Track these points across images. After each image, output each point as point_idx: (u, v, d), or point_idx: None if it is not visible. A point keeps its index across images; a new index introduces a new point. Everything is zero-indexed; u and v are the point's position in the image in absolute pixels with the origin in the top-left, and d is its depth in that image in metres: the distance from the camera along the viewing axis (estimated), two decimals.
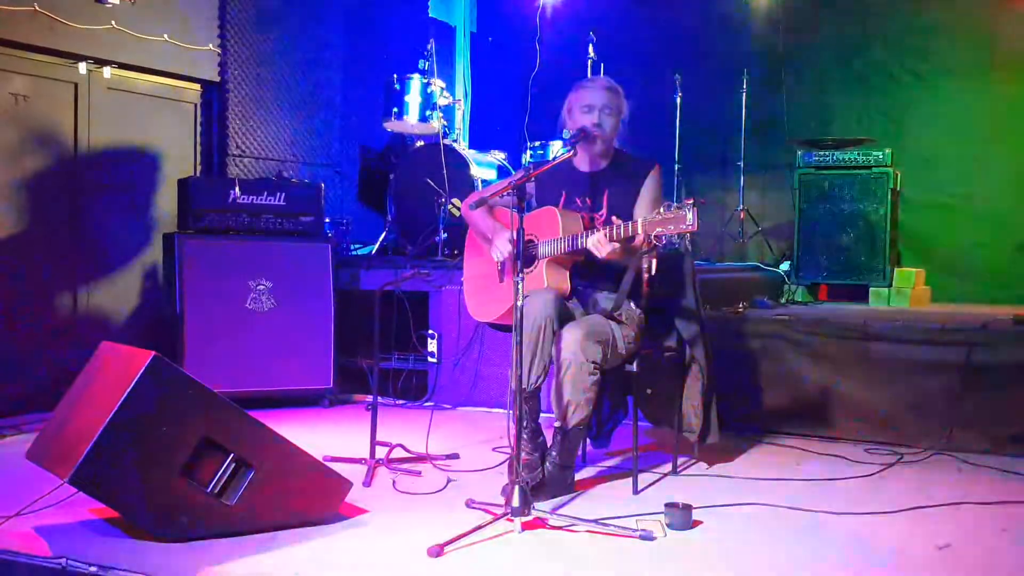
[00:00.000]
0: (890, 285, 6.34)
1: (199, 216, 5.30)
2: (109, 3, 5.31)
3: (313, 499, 3.20)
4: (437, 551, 2.91)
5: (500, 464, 4.03)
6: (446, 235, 5.99)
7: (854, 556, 3.04)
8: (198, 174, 5.98)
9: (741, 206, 7.33)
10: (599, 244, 3.55)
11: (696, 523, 3.27)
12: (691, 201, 3.29)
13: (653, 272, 3.77)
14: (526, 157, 6.45)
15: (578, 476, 3.82)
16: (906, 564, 2.97)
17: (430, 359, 5.70)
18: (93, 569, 2.73)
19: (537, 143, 6.43)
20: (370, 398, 4.11)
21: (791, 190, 6.80)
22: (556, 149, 6.24)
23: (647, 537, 3.10)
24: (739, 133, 7.35)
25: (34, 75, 5.17)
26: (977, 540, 3.21)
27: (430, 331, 5.70)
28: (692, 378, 4.04)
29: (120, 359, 3.15)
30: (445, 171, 6.03)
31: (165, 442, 2.94)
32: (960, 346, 4.54)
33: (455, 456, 4.23)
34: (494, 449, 4.37)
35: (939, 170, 6.96)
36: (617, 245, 3.54)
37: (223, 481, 3.02)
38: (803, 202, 6.61)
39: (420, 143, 6.59)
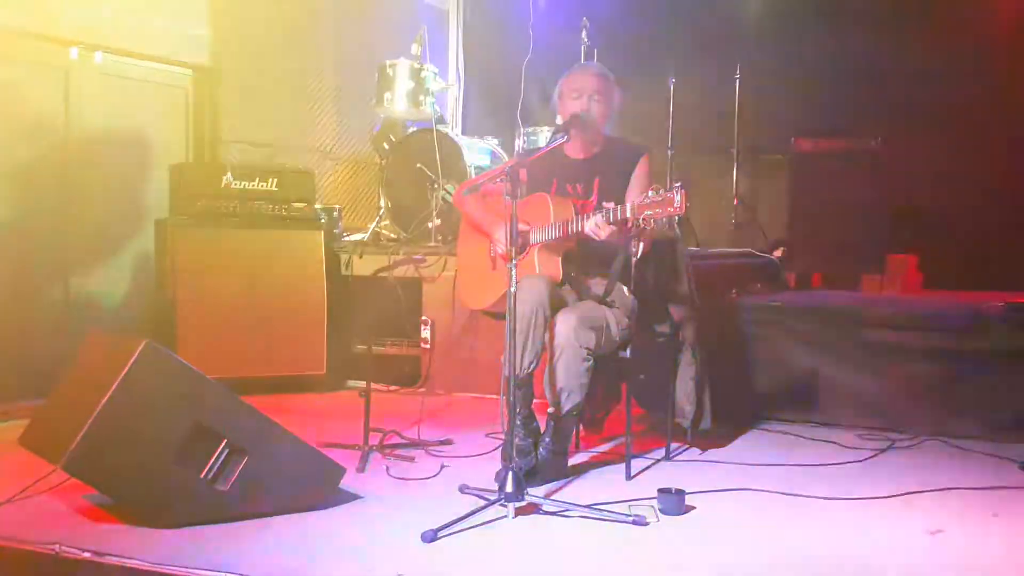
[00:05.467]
0: (883, 271, 6.35)
1: (191, 202, 5.28)
2: None
3: (307, 485, 3.20)
4: (431, 536, 2.91)
5: (493, 450, 4.04)
6: (439, 221, 5.98)
7: (846, 541, 3.05)
8: (190, 160, 5.95)
9: (735, 193, 7.32)
10: (599, 227, 3.54)
11: (689, 508, 3.28)
12: (679, 184, 3.29)
13: (638, 256, 3.77)
14: (519, 143, 6.43)
15: (571, 462, 3.83)
16: (898, 549, 2.98)
17: (423, 345, 5.69)
18: (87, 555, 2.72)
19: (530, 129, 6.41)
20: (363, 384, 4.11)
21: (785, 177, 6.79)
22: (547, 135, 6.22)
23: (640, 522, 3.11)
24: (733, 119, 7.33)
25: (25, 60, 5.13)
26: (969, 525, 3.22)
27: (423, 317, 5.69)
28: (685, 364, 4.05)
29: (112, 346, 3.15)
30: (438, 157, 6.01)
31: (158, 428, 2.93)
32: (952, 332, 4.56)
33: (449, 442, 4.24)
34: (487, 435, 4.37)
35: (932, 155, 6.95)
36: (615, 228, 3.54)
37: (217, 467, 3.01)
38: (797, 188, 6.60)
39: (413, 129, 6.57)
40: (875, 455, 4.15)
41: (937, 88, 7.01)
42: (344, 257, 5.88)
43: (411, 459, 3.94)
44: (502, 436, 3.48)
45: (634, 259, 3.79)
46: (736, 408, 4.79)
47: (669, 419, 4.09)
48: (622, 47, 6.90)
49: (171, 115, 5.94)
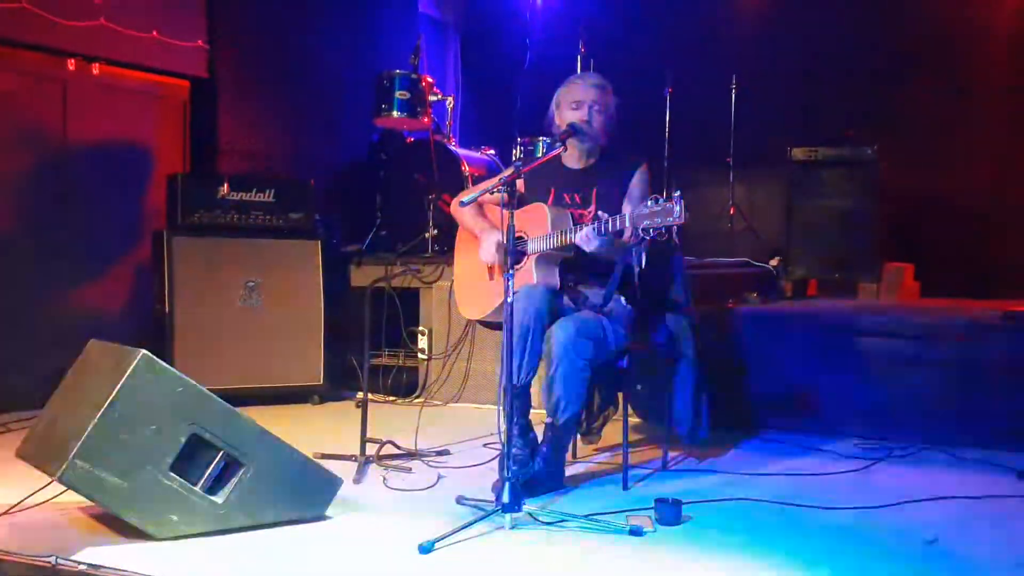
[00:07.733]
0: (879, 280, 6.36)
1: (188, 213, 5.28)
2: None
3: (303, 496, 3.20)
4: (428, 548, 2.91)
5: (491, 460, 4.04)
6: (436, 231, 5.98)
7: (844, 550, 3.05)
8: (187, 171, 5.95)
9: (731, 201, 7.33)
10: (587, 238, 3.55)
11: (686, 518, 3.28)
12: (679, 193, 3.29)
13: (643, 266, 3.77)
14: (516, 153, 6.44)
15: (568, 472, 3.83)
16: (895, 558, 2.98)
17: (420, 356, 5.70)
18: (83, 567, 2.72)
19: (527, 139, 6.41)
20: (360, 395, 4.11)
21: (782, 185, 6.81)
22: (545, 145, 6.22)
23: (637, 532, 3.10)
24: (729, 128, 7.35)
25: (22, 71, 5.14)
26: (966, 534, 3.22)
27: (420, 327, 5.69)
28: (682, 374, 4.05)
29: (109, 356, 3.14)
30: (435, 167, 6.02)
31: (155, 440, 2.93)
32: (949, 341, 4.57)
33: (446, 452, 4.24)
34: (485, 445, 4.37)
35: (928, 164, 6.97)
36: (606, 239, 3.54)
37: (213, 479, 3.01)
38: (793, 197, 6.62)
39: (410, 139, 6.58)
40: (872, 464, 4.15)
41: (933, 96, 7.04)
42: (342, 267, 5.88)
43: (408, 470, 3.94)
44: (499, 446, 3.48)
45: (637, 269, 3.79)
46: (733, 417, 4.79)
47: (666, 428, 4.08)
48: (619, 57, 6.91)
49: (169, 126, 5.95)
